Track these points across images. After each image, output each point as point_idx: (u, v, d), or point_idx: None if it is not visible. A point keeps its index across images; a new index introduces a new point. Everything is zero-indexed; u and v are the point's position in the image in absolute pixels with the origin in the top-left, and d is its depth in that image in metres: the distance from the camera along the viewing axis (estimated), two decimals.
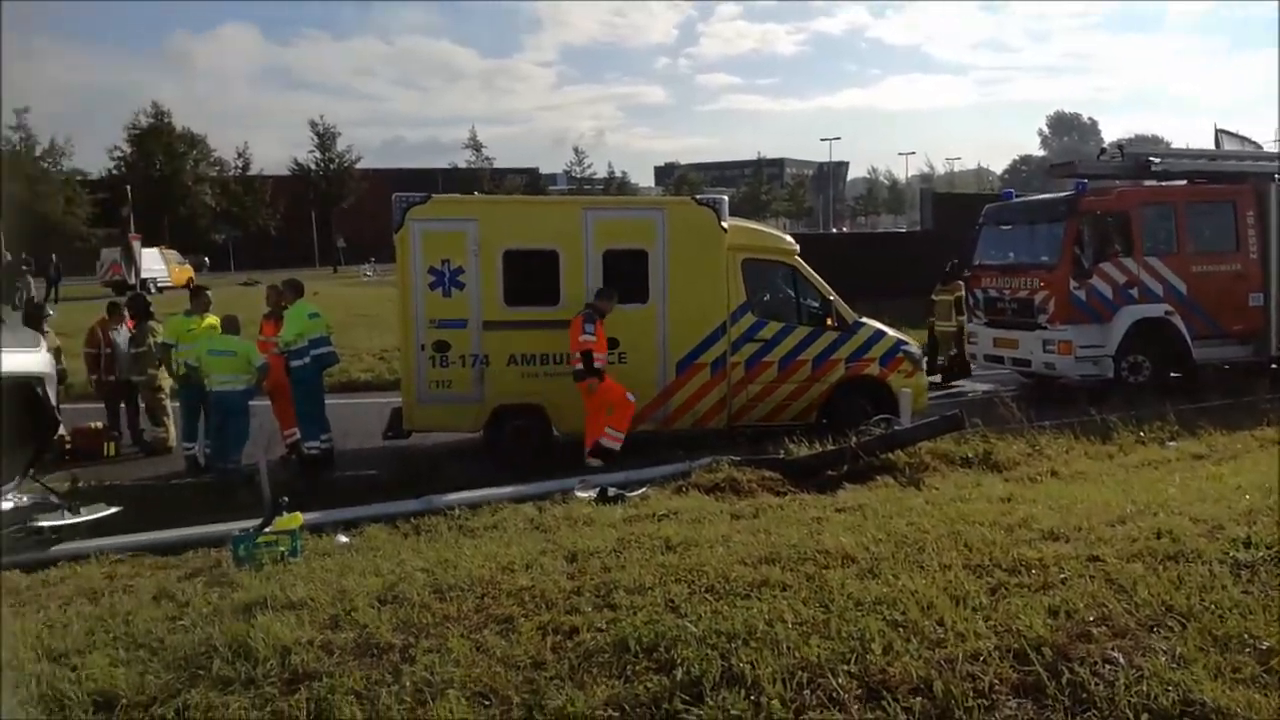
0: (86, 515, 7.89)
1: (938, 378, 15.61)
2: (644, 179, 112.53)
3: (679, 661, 4.12)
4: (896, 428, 9.96)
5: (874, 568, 5.37)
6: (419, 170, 77.17)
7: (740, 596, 4.94)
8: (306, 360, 10.69)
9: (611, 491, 8.50)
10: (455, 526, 7.57)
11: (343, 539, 7.40)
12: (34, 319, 11.35)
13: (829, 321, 11.22)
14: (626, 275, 10.63)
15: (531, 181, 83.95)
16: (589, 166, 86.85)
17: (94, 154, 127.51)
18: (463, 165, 78.51)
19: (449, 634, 4.65)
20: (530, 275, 10.65)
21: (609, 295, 10.24)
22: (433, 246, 10.43)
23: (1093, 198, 13.70)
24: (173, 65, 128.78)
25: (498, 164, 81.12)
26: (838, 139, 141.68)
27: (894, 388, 11.12)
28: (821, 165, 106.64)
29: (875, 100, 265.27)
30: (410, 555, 6.44)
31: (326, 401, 11.27)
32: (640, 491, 8.56)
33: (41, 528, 7.60)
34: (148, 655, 4.60)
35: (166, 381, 12.27)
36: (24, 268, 36.76)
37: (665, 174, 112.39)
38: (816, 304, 11.34)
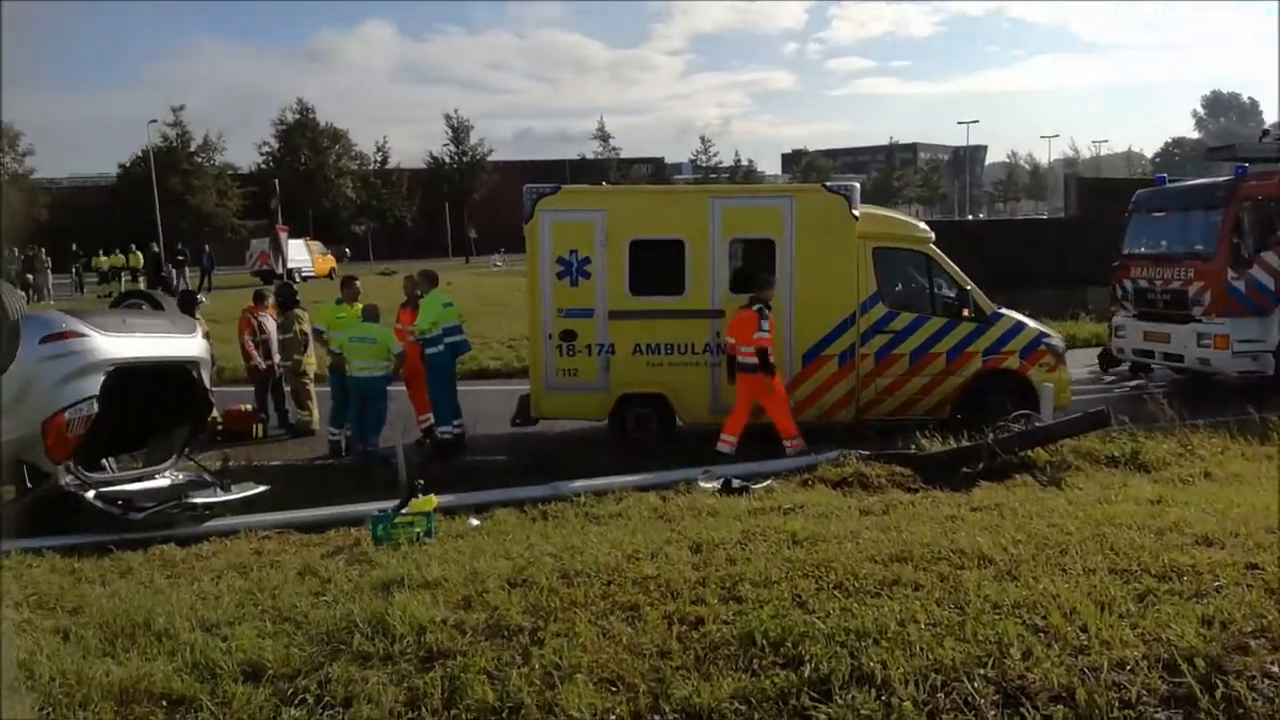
0: (237, 493, 8.33)
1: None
2: (770, 166, 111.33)
3: (807, 658, 4.06)
4: (1037, 424, 9.54)
5: (1012, 570, 5.17)
6: (548, 161, 78.52)
7: (870, 594, 4.83)
8: (440, 348, 11.00)
9: (735, 483, 8.44)
10: (581, 513, 7.65)
11: (474, 522, 7.59)
12: (187, 307, 12.03)
13: (965, 312, 10.83)
14: (752, 265, 10.53)
15: (657, 171, 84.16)
16: (715, 155, 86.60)
17: (244, 150, 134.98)
18: (590, 156, 79.48)
19: (576, 619, 4.70)
20: (656, 265, 10.67)
21: (770, 283, 10.08)
22: (561, 237, 10.57)
23: (1254, 183, 12.80)
24: (317, 63, 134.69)
25: (624, 154, 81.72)
26: (975, 122, 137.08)
27: (1035, 382, 10.65)
28: (957, 150, 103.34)
29: (1016, 82, 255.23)
30: (538, 540, 6.56)
31: (458, 388, 11.58)
32: (764, 484, 8.47)
33: (195, 504, 8.04)
34: (293, 628, 4.82)
35: (311, 366, 12.86)
36: (179, 257, 39.21)
37: (793, 161, 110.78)
38: (952, 294, 10.97)
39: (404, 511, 7.26)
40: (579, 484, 8.52)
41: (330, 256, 49.57)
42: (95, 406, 7.43)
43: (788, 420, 9.90)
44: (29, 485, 8.36)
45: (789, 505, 7.38)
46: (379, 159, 75.37)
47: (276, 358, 12.80)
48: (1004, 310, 11.07)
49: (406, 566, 5.80)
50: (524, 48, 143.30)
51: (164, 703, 4.09)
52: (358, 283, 12.22)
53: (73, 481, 7.63)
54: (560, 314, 10.62)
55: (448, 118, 74.78)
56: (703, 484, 8.54)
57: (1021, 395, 10.66)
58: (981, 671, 3.88)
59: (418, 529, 7.02)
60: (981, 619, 4.40)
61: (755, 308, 9.73)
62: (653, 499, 7.91)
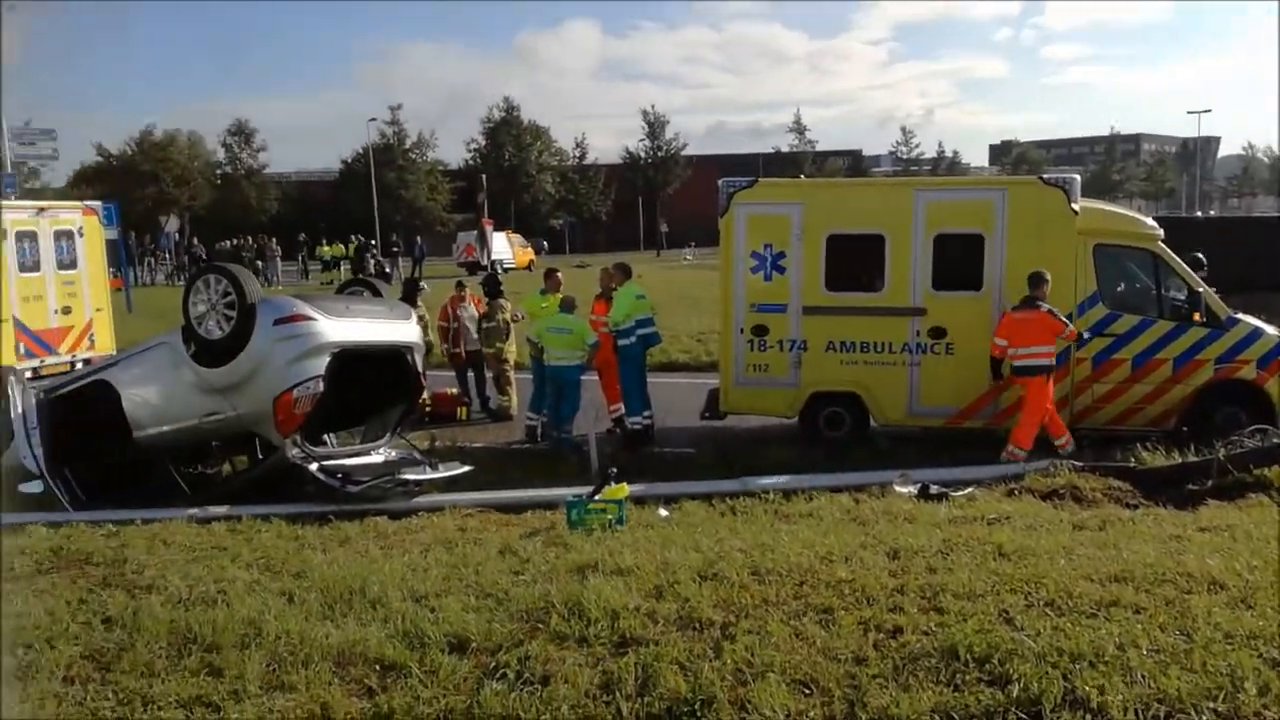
0: (444, 471, 8.76)
1: None
2: (977, 158, 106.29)
3: (1015, 677, 3.84)
4: (1276, 440, 8.66)
5: (1247, 597, 4.71)
6: (741, 155, 78.30)
7: (1085, 615, 4.52)
8: (633, 339, 11.16)
9: (934, 489, 8.12)
10: (771, 511, 7.57)
11: (663, 512, 7.65)
12: (410, 295, 12.74)
13: (1196, 316, 9.95)
14: (959, 261, 10.08)
15: (854, 163, 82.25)
16: (916, 146, 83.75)
17: (453, 146, 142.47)
18: (785, 149, 78.59)
19: (768, 617, 4.65)
20: (854, 260, 10.39)
21: (1046, 280, 9.56)
22: (756, 230, 10.47)
23: None
24: (522, 62, 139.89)
25: (820, 146, 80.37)
26: (1208, 112, 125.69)
27: (1272, 395, 9.67)
28: (1186, 141, 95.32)
29: (1258, 67, 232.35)
30: (728, 535, 6.53)
31: (648, 379, 11.71)
32: (965, 492, 8.10)
33: (406, 480, 8.51)
34: (494, 604, 5.01)
35: (511, 354, 13.36)
36: (394, 249, 41.76)
37: (1002, 152, 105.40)
38: (1181, 296, 10.10)
39: (597, 498, 7.42)
40: (768, 481, 8.43)
41: (529, 249, 51.41)
42: (321, 385, 7.98)
43: (1033, 430, 9.44)
44: (260, 456, 9.13)
45: (993, 515, 7.03)
46: (577, 155, 77.72)
47: (468, 345, 13.38)
48: (1240, 315, 10.09)
49: (600, 552, 5.91)
50: (720, 41, 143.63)
51: (377, 667, 4.34)
52: (559, 275, 12.56)
53: (298, 454, 8.22)
54: (753, 309, 10.53)
55: (644, 113, 76.08)
56: (898, 488, 8.26)
57: (1257, 408, 9.70)
58: (1211, 705, 3.58)
59: (610, 516, 7.14)
60: (1211, 648, 4.04)
61: (1044, 309, 9.31)
62: (845, 500, 7.72)
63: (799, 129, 79.34)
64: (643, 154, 75.04)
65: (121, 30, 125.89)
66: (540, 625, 4.66)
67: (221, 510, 7.78)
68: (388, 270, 36.19)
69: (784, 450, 10.14)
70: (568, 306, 11.43)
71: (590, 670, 4.13)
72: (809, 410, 10.58)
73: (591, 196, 75.35)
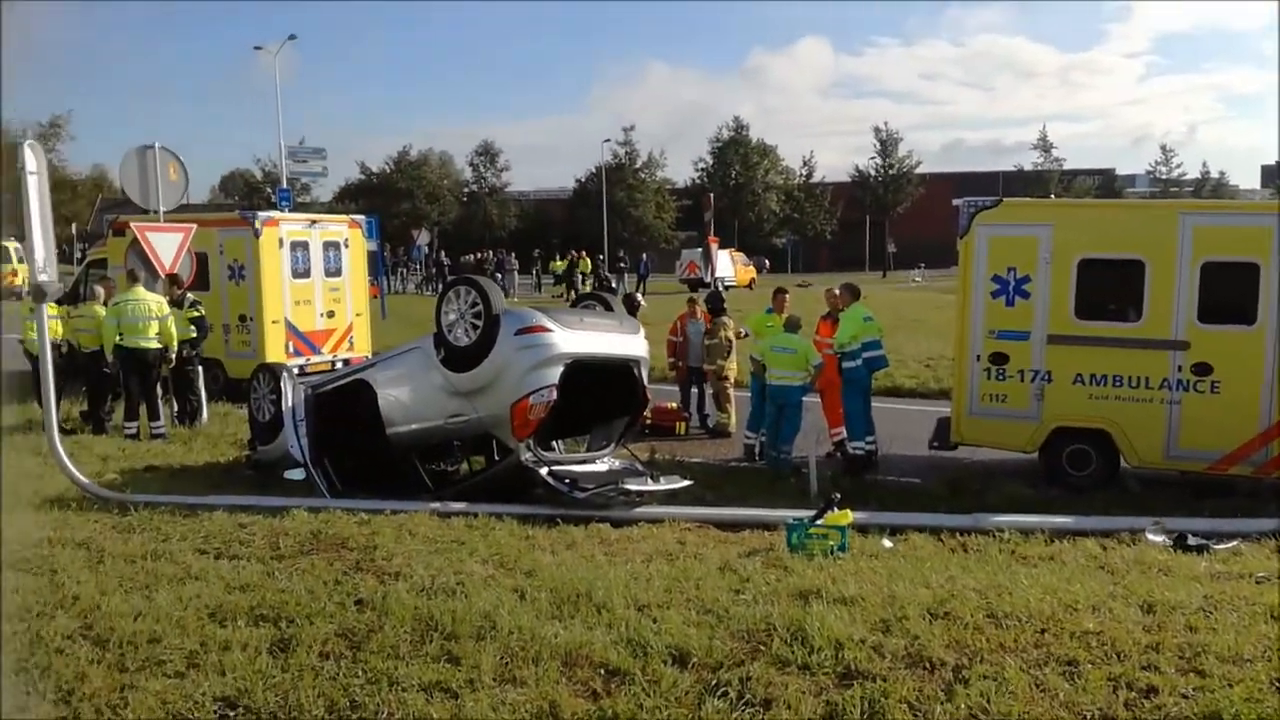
0: (665, 484, 8.87)
1: None
2: (1246, 180, 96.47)
3: None
4: None
5: None
6: (980, 173, 74.87)
7: None
8: (858, 362, 10.89)
9: (1193, 540, 7.39)
10: (1006, 550, 7.15)
11: (887, 543, 7.40)
12: (630, 310, 13.04)
13: None
14: (1229, 292, 9.16)
15: (1105, 183, 76.63)
16: (1177, 165, 77.04)
17: (681, 165, 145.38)
18: (1028, 167, 74.50)
19: (1005, 664, 4.39)
20: (1108, 287, 9.69)
21: None
22: (999, 253, 9.96)
23: None
24: (752, 82, 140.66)
25: (1068, 165, 75.55)
26: None
27: None
28: None
29: None
30: (959, 572, 6.23)
31: (873, 404, 11.39)
32: (1229, 545, 7.33)
33: (628, 490, 8.68)
34: (715, 621, 5.01)
35: (732, 371, 13.40)
36: (621, 264, 43.04)
37: (1275, 174, 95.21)
38: None
39: (819, 522, 7.28)
40: (1004, 518, 7.97)
41: (751, 267, 51.46)
42: (554, 394, 8.30)
43: None
44: (496, 458, 9.61)
45: (1263, 573, 6.31)
46: (804, 173, 77.06)
47: (692, 360, 13.51)
48: None
49: (822, 578, 5.80)
50: (961, 55, 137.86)
51: (602, 671, 4.45)
52: (787, 294, 12.47)
53: (531, 458, 8.58)
54: (992, 335, 10.02)
55: (877, 130, 74.25)
56: (1151, 536, 7.58)
57: None
58: None
59: (831, 542, 6.99)
60: None
61: None
62: (1091, 545, 7.17)
63: (1045, 146, 74.85)
64: (873, 172, 73.32)
65: (377, 57, 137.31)
66: (762, 647, 4.61)
67: (460, 506, 8.23)
68: (613, 285, 37.41)
69: (1020, 487, 9.58)
70: (793, 326, 11.33)
71: (814, 699, 4.05)
72: (1050, 446, 9.92)
73: (817, 215, 74.52)
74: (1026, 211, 10.55)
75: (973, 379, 10.15)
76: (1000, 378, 9.98)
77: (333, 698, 4.25)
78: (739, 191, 71.71)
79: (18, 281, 32.12)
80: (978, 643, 4.66)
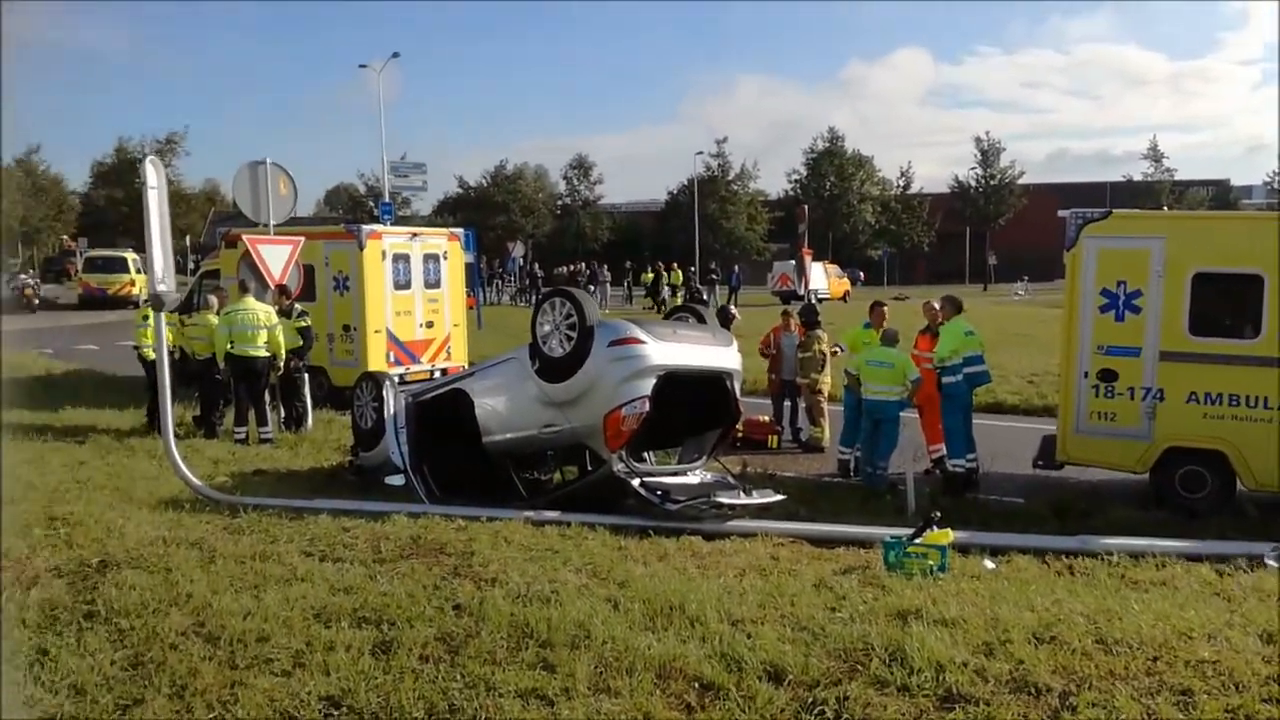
0: (757, 498, 8.79)
1: None
2: None
3: None
4: None
5: None
6: (1086, 184, 72.45)
7: None
8: (959, 377, 10.64)
9: None
10: (1115, 574, 6.86)
11: (989, 564, 7.19)
12: (724, 322, 13.00)
13: None
14: None
15: (1220, 194, 73.35)
16: None
17: (774, 177, 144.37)
18: (1137, 177, 71.80)
19: (1115, 692, 4.22)
20: (1225, 302, 9.32)
21: None
22: (1108, 266, 9.62)
23: None
24: (848, 92, 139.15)
25: (1179, 175, 72.55)
26: None
27: None
28: None
29: None
30: (1065, 596, 6.01)
31: (974, 421, 11.10)
32: None
33: (720, 503, 8.63)
34: (810, 639, 4.94)
35: (826, 385, 13.23)
36: (712, 276, 43.01)
37: None
38: None
39: (917, 541, 7.11)
40: (1113, 541, 7.66)
41: (845, 280, 50.81)
42: (647, 405, 8.33)
43: None
44: (589, 468, 9.68)
45: None
46: (901, 184, 75.76)
47: (785, 374, 13.38)
48: None
49: (921, 599, 5.66)
50: (1066, 64, 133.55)
51: (696, 684, 4.43)
52: (885, 308, 12.27)
53: (623, 469, 8.61)
54: (1100, 351, 9.67)
55: (978, 140, 72.61)
56: (1271, 563, 7.20)
57: None
58: None
59: (931, 561, 6.82)
60: None
61: None
62: (1205, 572, 6.84)
63: (1155, 156, 72.06)
64: (973, 183, 71.67)
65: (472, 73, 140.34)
66: (859, 667, 4.53)
67: (553, 515, 8.31)
68: (704, 297, 37.36)
69: (1128, 509, 9.22)
70: (890, 339, 11.14)
71: None
72: (1162, 467, 9.52)
73: (914, 226, 73.15)
74: (1138, 223, 10.17)
75: (1080, 396, 9.82)
76: (1109, 395, 9.63)
77: (432, 700, 4.33)
78: (834, 203, 70.94)
79: (135, 291, 33.77)
80: (1086, 669, 4.49)
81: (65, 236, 68.06)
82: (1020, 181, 71.23)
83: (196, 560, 6.52)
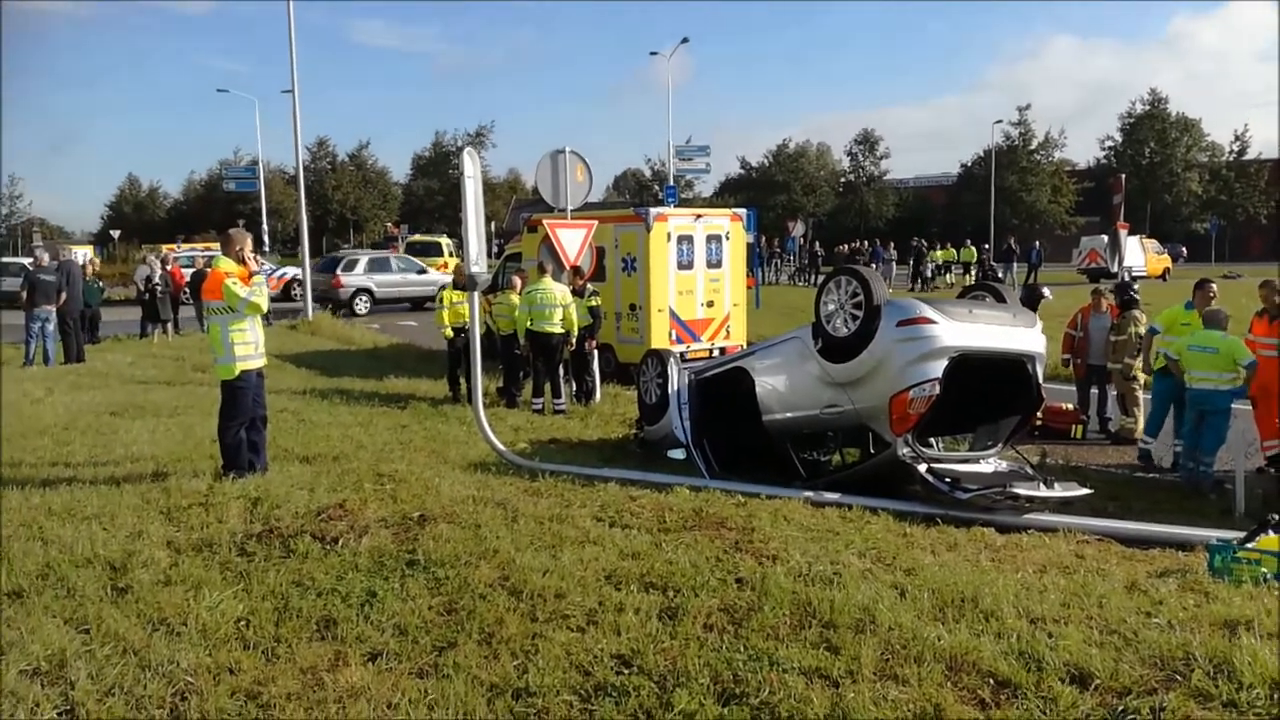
0: (1060, 491, 8.18)
1: None
2: None
3: None
4: None
5: None
6: None
7: None
8: None
9: None
10: None
11: None
12: (1032, 301, 12.20)
13: None
14: None
15: None
16: None
17: (1084, 144, 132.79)
18: None
19: None
20: None
21: None
22: None
23: None
24: (1173, 50, 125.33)
25: None
26: None
27: None
28: None
29: None
30: None
31: None
32: None
33: (1017, 494, 8.11)
34: (1120, 643, 4.56)
35: (1140, 372, 12.07)
36: (1011, 251, 40.47)
37: None
38: None
39: (1249, 545, 6.34)
40: None
41: (1166, 256, 46.01)
42: (937, 388, 7.98)
43: None
44: (872, 451, 9.45)
45: None
46: (1235, 149, 67.33)
47: (1093, 358, 12.35)
48: None
49: (1254, 609, 5.04)
50: None
51: (990, 681, 4.21)
52: (1213, 286, 10.96)
53: (909, 454, 8.31)
54: None
55: None
56: None
57: None
58: None
59: (1265, 569, 6.06)
60: None
61: None
62: None
63: None
64: None
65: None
66: (1178, 676, 4.11)
67: (834, 496, 8.19)
68: (1000, 276, 35.24)
69: None
70: (1216, 321, 9.93)
71: None
72: None
73: (1250, 196, 64.85)
74: None
75: None
76: None
77: (717, 669, 4.42)
78: (1154, 171, 64.44)
79: (447, 271, 37.03)
80: None
81: (389, 224, 76.05)
82: None
83: (501, 518, 7.05)
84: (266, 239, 44.04)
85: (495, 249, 32.78)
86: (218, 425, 8.48)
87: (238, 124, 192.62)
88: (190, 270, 26.59)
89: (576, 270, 13.82)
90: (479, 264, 9.70)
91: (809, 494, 8.31)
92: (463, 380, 13.73)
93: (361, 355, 19.78)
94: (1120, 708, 3.87)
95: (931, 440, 9.46)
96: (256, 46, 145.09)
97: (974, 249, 43.12)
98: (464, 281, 10.67)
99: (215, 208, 71.14)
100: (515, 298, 13.71)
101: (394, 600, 5.38)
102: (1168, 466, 10.50)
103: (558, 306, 13.03)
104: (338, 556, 6.10)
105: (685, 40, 49.44)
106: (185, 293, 24.49)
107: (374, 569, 5.91)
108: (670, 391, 10.46)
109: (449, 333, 14.05)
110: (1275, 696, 3.92)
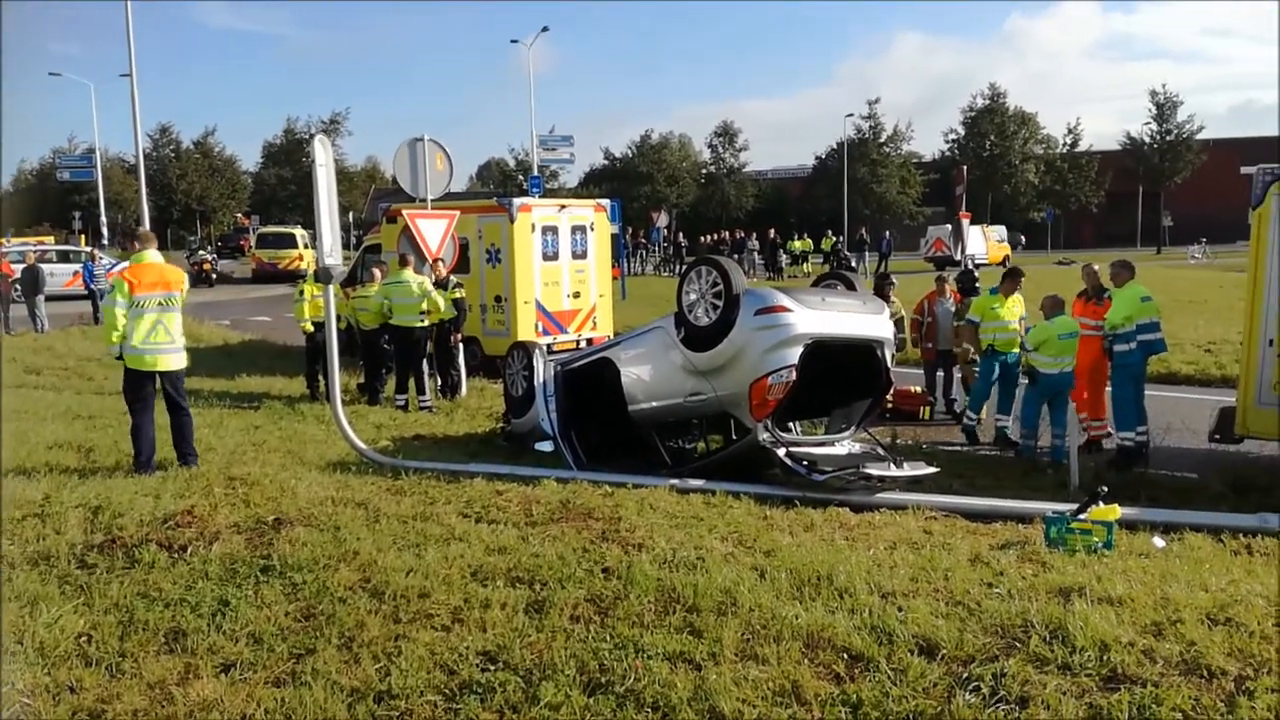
0: (909, 470, 8.55)
1: None
2: None
3: None
4: None
5: None
6: (1272, 138, 66.73)
7: None
8: (1133, 345, 10.00)
9: None
10: None
11: (1159, 542, 6.78)
12: (881, 290, 12.70)
13: None
14: None
15: None
16: None
17: (929, 138, 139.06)
18: None
19: None
20: None
21: None
22: None
23: None
24: (1011, 47, 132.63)
25: None
26: None
27: None
28: None
29: None
30: (1242, 576, 5.64)
31: (1145, 392, 10.46)
32: None
33: (870, 474, 8.44)
34: (965, 613, 4.81)
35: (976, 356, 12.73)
36: (862, 242, 42.00)
37: None
38: None
39: (1081, 517, 6.79)
40: None
41: (1005, 244, 48.67)
42: (794, 374, 8.22)
43: None
44: (734, 437, 9.67)
45: None
46: (1068, 142, 71.56)
47: (941, 343, 12.96)
48: None
49: (1085, 576, 5.42)
50: (1255, 8, 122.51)
51: (845, 656, 4.38)
52: (1022, 276, 11.64)
53: (768, 439, 8.54)
54: None
55: (1153, 93, 67.57)
56: None
57: None
58: None
59: (1096, 538, 6.50)
60: None
61: None
62: None
63: None
64: (1147, 139, 66.91)
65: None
66: (1017, 643, 4.38)
67: (698, 483, 8.34)
68: (853, 265, 36.56)
69: None
70: (1061, 308, 10.47)
71: (1075, 701, 3.80)
72: None
73: (1082, 187, 68.97)
74: None
75: (1263, 366, 9.15)
76: None
77: (583, 659, 4.45)
78: (994, 163, 67.86)
79: (303, 265, 35.80)
80: (1265, 653, 4.20)
81: (239, 214, 72.68)
82: (1199, 137, 66.09)
83: (362, 519, 6.88)
84: (105, 232, 41.56)
85: (354, 240, 31.86)
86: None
87: (72, 110, 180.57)
88: (21, 266, 24.80)
89: (438, 262, 13.57)
90: (334, 256, 9.39)
91: (674, 482, 8.43)
92: (322, 377, 13.29)
93: (210, 353, 18.89)
94: (965, 675, 4.09)
95: (790, 425, 9.75)
96: (92, 27, 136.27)
97: (833, 238, 44.58)
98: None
99: (49, 199, 66.53)
100: (375, 290, 13.37)
101: (248, 608, 5.19)
102: (991, 441, 11.12)
103: (419, 299, 12.77)
104: (186, 565, 5.83)
105: (545, 29, 49.11)
106: (16, 290, 22.83)
107: (226, 577, 5.68)
108: (536, 384, 10.42)
109: (309, 327, 13.50)
110: (1105, 658, 4.21)
